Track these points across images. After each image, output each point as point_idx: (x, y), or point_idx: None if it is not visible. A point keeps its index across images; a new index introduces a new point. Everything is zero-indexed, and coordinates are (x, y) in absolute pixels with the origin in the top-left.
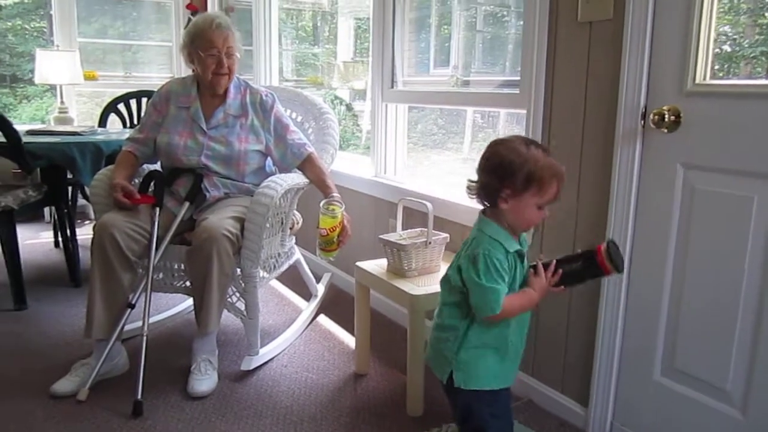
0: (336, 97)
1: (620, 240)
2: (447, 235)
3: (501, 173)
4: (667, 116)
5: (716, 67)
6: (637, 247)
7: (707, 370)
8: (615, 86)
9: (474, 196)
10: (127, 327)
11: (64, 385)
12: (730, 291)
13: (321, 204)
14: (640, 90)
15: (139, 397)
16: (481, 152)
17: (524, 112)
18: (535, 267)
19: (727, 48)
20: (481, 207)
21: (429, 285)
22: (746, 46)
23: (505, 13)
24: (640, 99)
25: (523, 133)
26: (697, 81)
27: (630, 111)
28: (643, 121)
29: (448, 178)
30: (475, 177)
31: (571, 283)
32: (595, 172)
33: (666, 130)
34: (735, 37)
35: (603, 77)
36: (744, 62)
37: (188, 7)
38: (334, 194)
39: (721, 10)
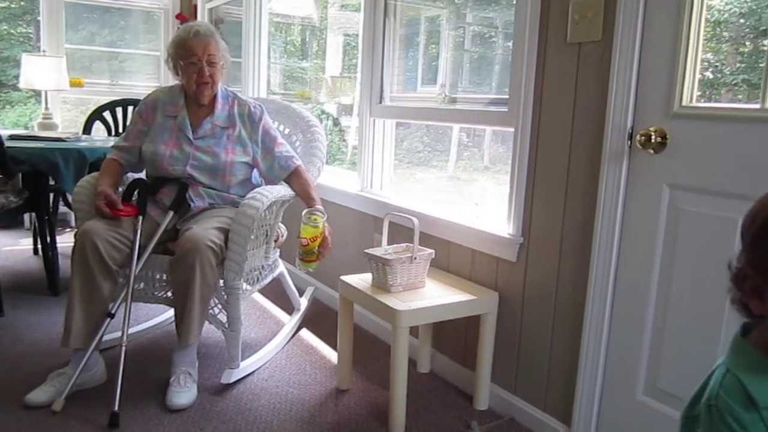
0: (323, 112)
1: (605, 260)
2: (432, 251)
3: (750, 241)
4: (653, 137)
5: (698, 93)
6: (621, 266)
7: (690, 390)
8: (602, 106)
9: (734, 297)
10: (106, 337)
11: (38, 395)
12: (713, 312)
13: (303, 213)
14: (627, 111)
15: (116, 408)
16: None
17: (512, 130)
18: None
19: (709, 75)
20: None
21: (413, 300)
22: (728, 73)
23: (492, 33)
24: (627, 119)
25: (509, 152)
26: (683, 103)
27: (617, 131)
28: (629, 142)
29: (433, 196)
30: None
31: None
32: (581, 191)
33: (652, 151)
34: (717, 64)
35: (591, 97)
36: (725, 89)
37: (177, 17)
38: (318, 205)
39: (705, 38)
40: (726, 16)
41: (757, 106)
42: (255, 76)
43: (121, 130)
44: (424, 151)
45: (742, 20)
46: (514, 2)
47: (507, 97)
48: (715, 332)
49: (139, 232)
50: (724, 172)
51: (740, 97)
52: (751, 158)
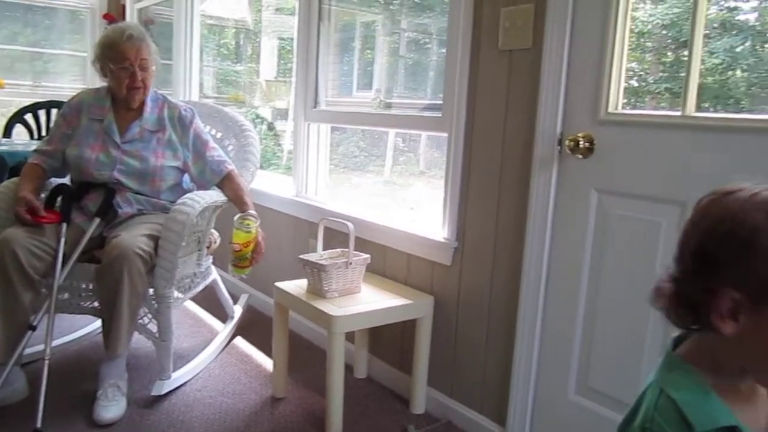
0: (257, 116)
1: (537, 263)
2: (368, 255)
3: (730, 258)
4: (581, 143)
5: (624, 100)
6: (552, 269)
7: (619, 388)
8: (533, 112)
9: (662, 305)
10: (28, 350)
11: None
12: (639, 312)
13: (235, 218)
14: (557, 117)
15: (39, 425)
16: (695, 208)
17: (446, 135)
18: None
19: (634, 83)
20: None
21: (349, 306)
22: (651, 81)
23: (427, 40)
24: (557, 125)
25: (444, 157)
26: (609, 110)
27: (547, 137)
28: (559, 147)
29: (369, 200)
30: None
31: None
32: (513, 195)
33: (581, 156)
34: (641, 73)
35: (522, 103)
36: (649, 97)
37: (105, 17)
38: (251, 210)
39: (629, 47)
40: (649, 27)
41: (679, 113)
42: (186, 79)
43: (43, 133)
44: (360, 155)
45: (664, 31)
46: (448, 9)
47: (441, 102)
48: (642, 331)
49: (62, 239)
50: (649, 176)
51: (663, 104)
52: (674, 163)
